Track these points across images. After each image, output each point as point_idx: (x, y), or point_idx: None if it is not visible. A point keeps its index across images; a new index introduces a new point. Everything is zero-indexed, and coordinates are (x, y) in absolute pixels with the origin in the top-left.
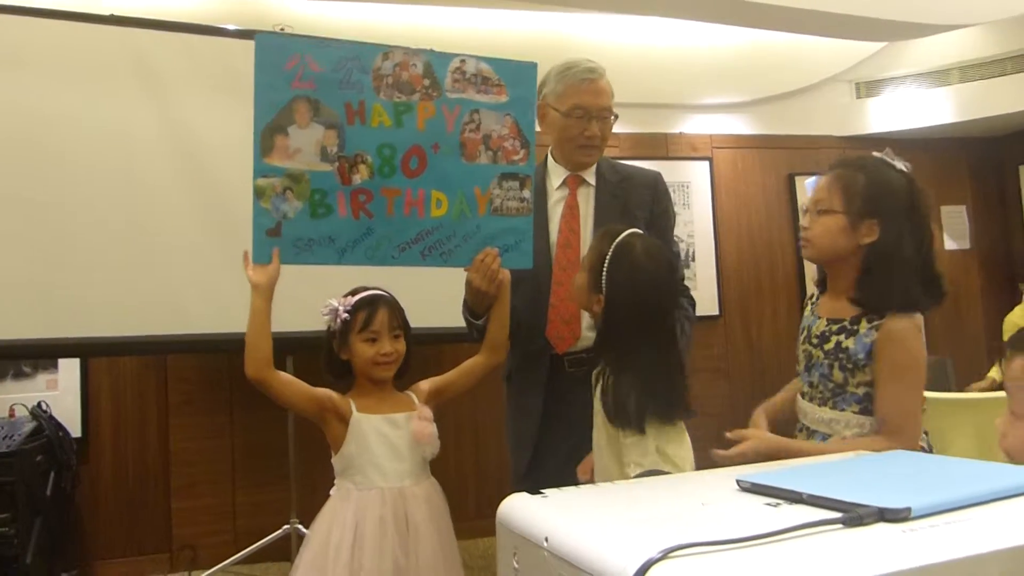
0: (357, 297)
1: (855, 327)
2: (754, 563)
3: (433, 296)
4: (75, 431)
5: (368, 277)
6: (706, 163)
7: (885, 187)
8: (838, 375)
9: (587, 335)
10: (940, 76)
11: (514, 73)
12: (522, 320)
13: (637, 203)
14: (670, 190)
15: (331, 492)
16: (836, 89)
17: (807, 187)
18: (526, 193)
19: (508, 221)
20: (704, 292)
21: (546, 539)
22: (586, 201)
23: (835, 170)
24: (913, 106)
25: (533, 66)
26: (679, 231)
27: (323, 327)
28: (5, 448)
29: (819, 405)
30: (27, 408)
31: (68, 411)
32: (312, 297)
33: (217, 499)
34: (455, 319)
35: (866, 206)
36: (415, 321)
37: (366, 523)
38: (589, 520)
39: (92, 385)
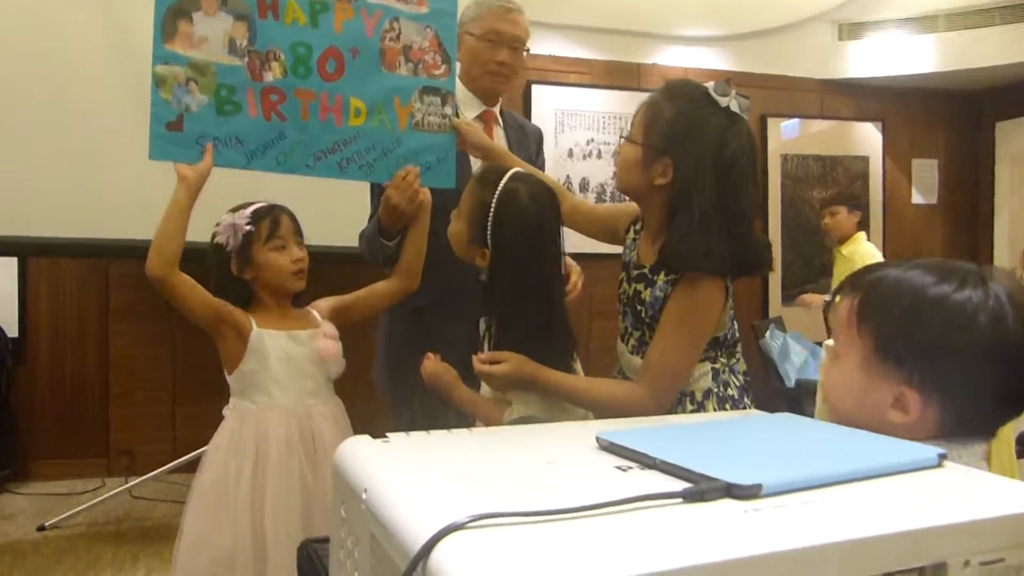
0: (253, 207)
1: (655, 277)
2: (566, 539)
3: (334, 211)
4: (12, 331)
5: (259, 187)
6: None
7: (691, 125)
8: (635, 325)
9: None
10: (926, 22)
11: None
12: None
13: (526, 153)
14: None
15: (224, 412)
16: (818, 29)
17: (783, 131)
18: (447, 109)
19: (429, 138)
20: None
21: (365, 490)
22: (501, 139)
23: (652, 96)
24: (896, 52)
25: None
26: None
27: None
28: None
29: (631, 353)
30: None
31: (4, 311)
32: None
33: (157, 407)
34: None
35: (663, 142)
36: (313, 238)
37: (269, 444)
38: (416, 473)
39: (31, 286)
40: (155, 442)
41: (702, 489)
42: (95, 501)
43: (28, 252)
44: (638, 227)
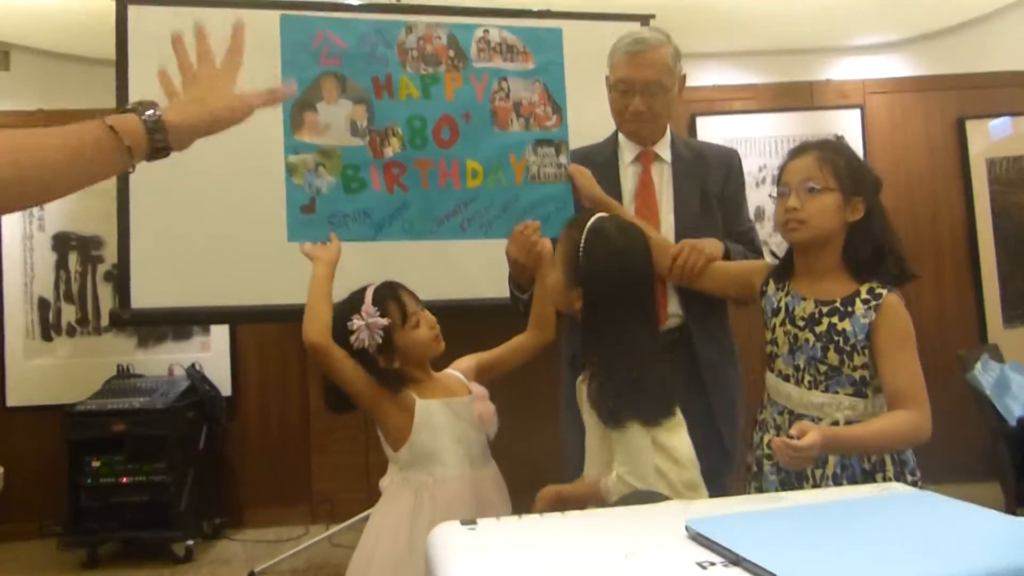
0: (368, 296)
1: (849, 308)
2: None
3: (472, 265)
4: (225, 390)
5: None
6: (857, 111)
7: (863, 166)
8: (833, 357)
9: (673, 314)
10: None
11: (539, 39)
12: None
13: (712, 182)
14: None
15: (382, 485)
16: (1016, 17)
17: (992, 131)
18: (562, 159)
19: (547, 189)
20: None
21: None
22: (660, 178)
23: (811, 151)
24: None
25: (558, 31)
26: None
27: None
28: (161, 404)
29: (808, 388)
30: (183, 368)
31: (219, 371)
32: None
33: (352, 457)
34: (498, 289)
35: (853, 185)
36: (452, 293)
37: (451, 514)
38: (491, 566)
39: (240, 348)
40: (352, 490)
41: None
42: (298, 548)
43: (238, 319)
44: (779, 284)
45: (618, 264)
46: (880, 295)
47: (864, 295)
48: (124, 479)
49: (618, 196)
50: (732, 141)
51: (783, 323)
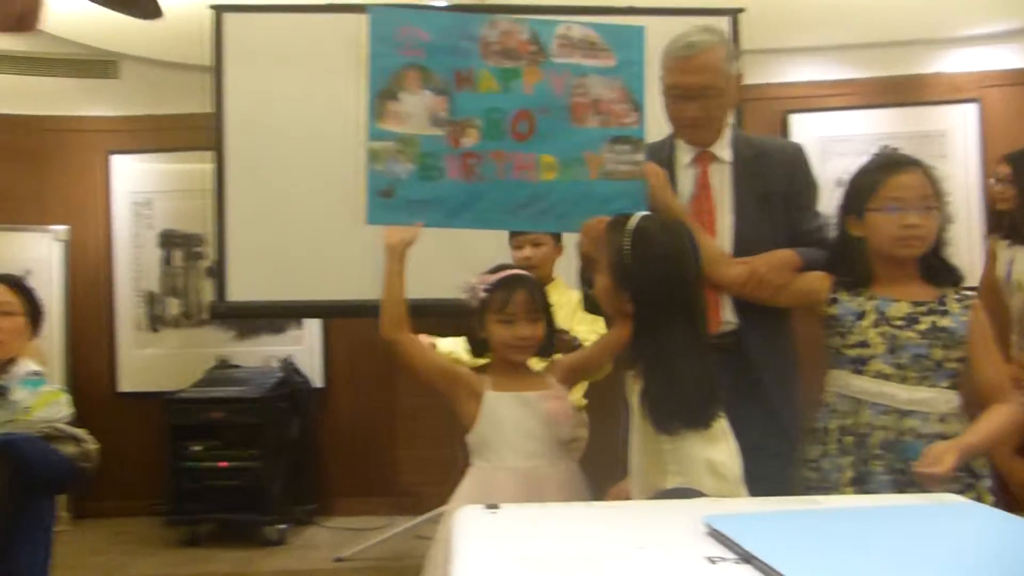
0: (496, 277)
1: (943, 307)
2: None
3: None
4: (317, 382)
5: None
6: (972, 106)
7: (939, 179)
8: (937, 353)
9: (728, 320)
10: None
11: (621, 37)
12: None
13: (776, 180)
14: (921, 141)
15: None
16: None
17: None
18: (639, 156)
19: (620, 185)
20: (965, 260)
21: (450, 560)
22: (720, 180)
23: (917, 168)
24: None
25: (640, 29)
26: None
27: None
28: (256, 394)
29: (915, 385)
30: (278, 360)
31: (312, 364)
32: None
33: (437, 451)
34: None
35: (940, 199)
36: None
37: (496, 502)
38: (501, 548)
39: (332, 341)
40: (436, 483)
41: None
42: (382, 538)
43: (327, 313)
44: (857, 287)
45: (664, 263)
46: (969, 296)
47: (954, 296)
48: (221, 463)
49: None
50: (828, 140)
51: (875, 324)
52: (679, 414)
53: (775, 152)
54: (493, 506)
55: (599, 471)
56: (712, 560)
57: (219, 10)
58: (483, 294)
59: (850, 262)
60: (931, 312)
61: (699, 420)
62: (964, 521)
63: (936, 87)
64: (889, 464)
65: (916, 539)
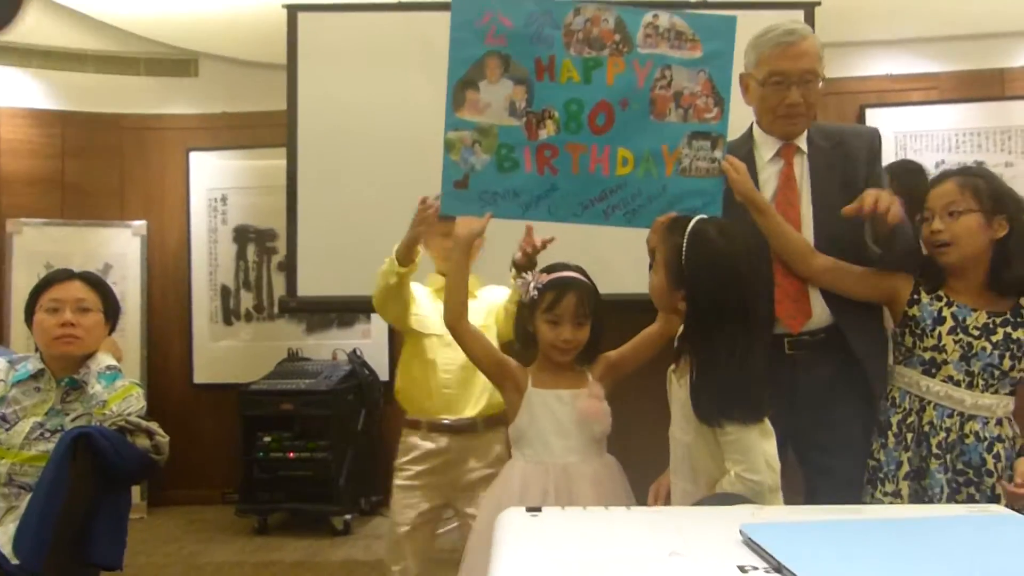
0: (550, 277)
1: (1018, 319)
2: None
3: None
4: (383, 375)
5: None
6: None
7: (1002, 186)
8: (1007, 363)
9: (818, 313)
10: None
11: (710, 27)
12: None
13: (855, 168)
14: (1004, 137)
15: (508, 463)
16: None
17: None
18: (717, 153)
19: (696, 183)
20: None
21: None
22: (801, 171)
23: (951, 178)
24: None
25: (732, 19)
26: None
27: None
28: (325, 387)
29: (981, 391)
30: (346, 353)
31: (378, 357)
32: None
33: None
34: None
35: (995, 204)
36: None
37: (528, 495)
38: (542, 552)
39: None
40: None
41: None
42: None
43: None
44: (934, 295)
45: (719, 266)
46: None
47: None
48: (291, 454)
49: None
50: (908, 135)
51: (952, 332)
52: (725, 409)
53: (853, 138)
54: (535, 509)
55: (639, 465)
56: (744, 569)
57: (292, 9)
58: (535, 291)
59: (928, 265)
60: (1006, 323)
61: (746, 416)
62: (1005, 534)
63: (1019, 81)
64: (946, 463)
65: (952, 552)
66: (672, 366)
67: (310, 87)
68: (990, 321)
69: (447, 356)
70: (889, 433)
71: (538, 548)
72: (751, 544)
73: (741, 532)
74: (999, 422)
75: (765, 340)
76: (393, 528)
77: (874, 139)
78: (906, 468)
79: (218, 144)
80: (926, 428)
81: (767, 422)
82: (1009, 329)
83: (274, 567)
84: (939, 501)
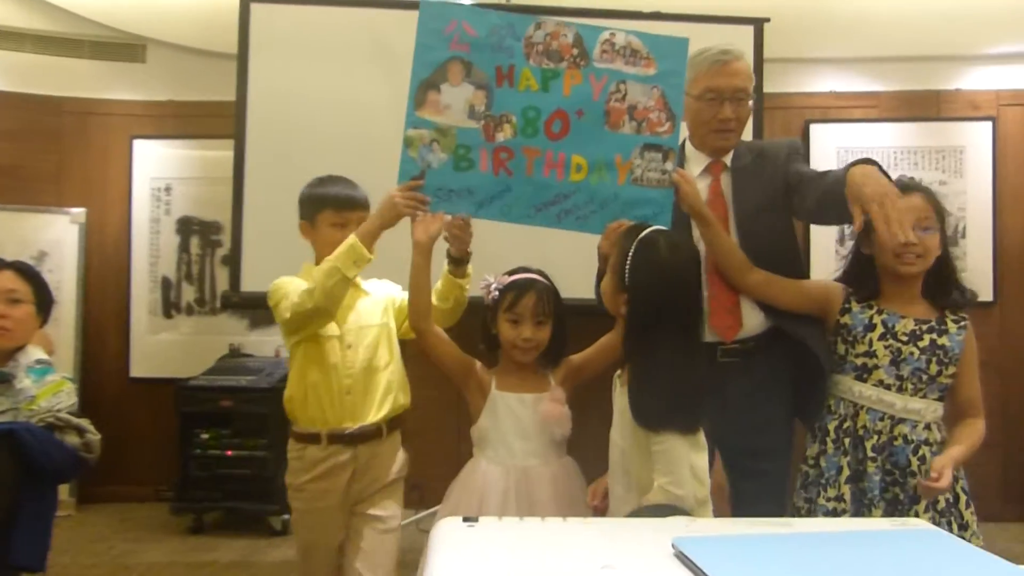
0: (511, 278)
1: (943, 327)
2: None
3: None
4: None
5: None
6: (988, 123)
7: (941, 203)
8: (934, 368)
9: (750, 323)
10: None
11: (664, 47)
12: None
13: (771, 172)
14: (939, 156)
15: (468, 463)
16: None
17: None
18: (668, 165)
19: (647, 192)
20: (977, 275)
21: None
22: (727, 186)
23: (918, 192)
24: None
25: (684, 41)
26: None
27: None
28: (266, 384)
29: (910, 395)
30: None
31: None
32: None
33: (442, 445)
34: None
35: (940, 221)
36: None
37: (489, 496)
38: (470, 563)
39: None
40: (441, 477)
41: None
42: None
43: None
44: (867, 302)
45: (662, 277)
46: (966, 318)
47: (952, 317)
48: (229, 452)
49: None
50: (850, 151)
51: (883, 338)
52: (665, 415)
53: (771, 147)
54: (471, 519)
55: (599, 467)
56: None
57: None
58: (495, 292)
59: (862, 276)
60: (931, 331)
61: (683, 424)
62: (922, 548)
63: (955, 103)
64: (880, 465)
65: (870, 567)
66: (618, 371)
67: (260, 78)
68: (917, 328)
69: (348, 359)
70: (828, 440)
71: (472, 559)
72: (682, 558)
73: (673, 546)
74: (927, 426)
75: (702, 351)
76: (306, 556)
77: (793, 143)
78: (847, 472)
79: (164, 132)
80: (861, 432)
81: (701, 435)
82: (935, 336)
83: (209, 567)
84: (876, 503)
